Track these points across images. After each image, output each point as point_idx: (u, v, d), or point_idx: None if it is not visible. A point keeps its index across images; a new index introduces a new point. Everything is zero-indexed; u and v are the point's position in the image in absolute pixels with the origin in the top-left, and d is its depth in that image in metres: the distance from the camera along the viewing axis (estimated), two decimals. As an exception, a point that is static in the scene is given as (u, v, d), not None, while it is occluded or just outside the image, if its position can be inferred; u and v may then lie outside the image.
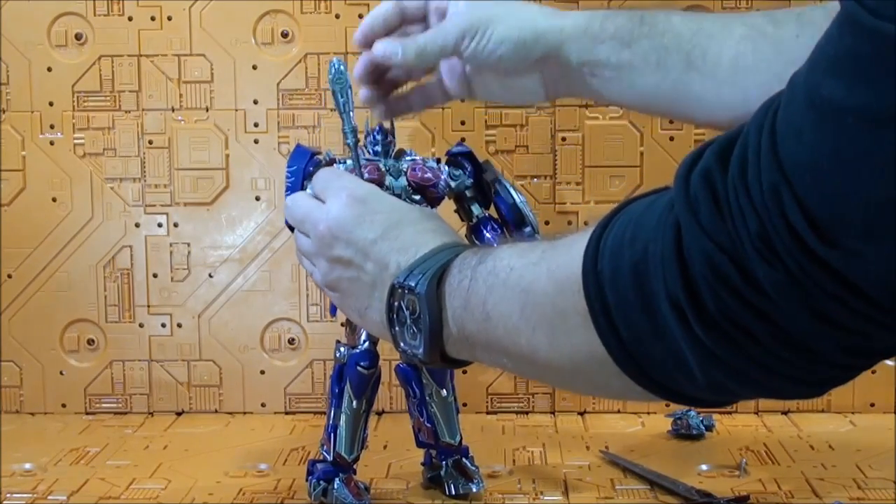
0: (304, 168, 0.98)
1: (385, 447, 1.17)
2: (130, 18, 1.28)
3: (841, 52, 0.51)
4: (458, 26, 0.91)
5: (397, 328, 0.77)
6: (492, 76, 0.95)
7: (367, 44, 0.96)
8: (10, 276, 1.31)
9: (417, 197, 0.99)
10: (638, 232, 0.60)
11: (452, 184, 1.01)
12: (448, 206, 1.03)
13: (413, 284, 0.74)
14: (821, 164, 0.51)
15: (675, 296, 0.57)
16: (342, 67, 0.97)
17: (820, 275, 0.52)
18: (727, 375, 0.58)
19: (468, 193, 1.02)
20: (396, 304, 0.76)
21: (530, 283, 0.68)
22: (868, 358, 0.57)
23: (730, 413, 1.28)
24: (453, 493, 1.03)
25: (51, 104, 1.29)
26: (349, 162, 0.97)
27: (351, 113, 0.96)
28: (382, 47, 0.92)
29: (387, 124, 1.01)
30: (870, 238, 0.51)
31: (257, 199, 1.29)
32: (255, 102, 1.29)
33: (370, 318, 0.81)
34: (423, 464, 1.06)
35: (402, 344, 0.77)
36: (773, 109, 0.55)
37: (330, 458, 1.01)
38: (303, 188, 0.97)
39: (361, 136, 1.00)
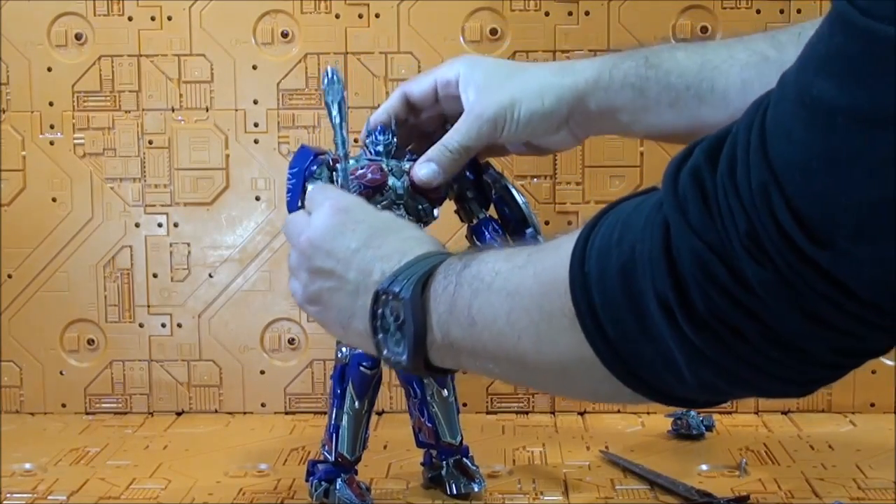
0: (305, 169, 0.98)
1: (385, 447, 1.17)
2: (130, 18, 1.28)
3: (832, 51, 0.51)
4: (486, 120, 0.94)
5: (381, 335, 0.76)
6: (526, 141, 0.98)
7: None
8: (10, 276, 1.31)
9: (419, 197, 0.98)
10: (625, 232, 0.60)
11: (454, 184, 1.01)
12: (449, 206, 1.03)
13: (398, 290, 0.73)
14: (810, 163, 0.51)
15: (664, 295, 0.57)
16: (336, 76, 0.95)
17: (810, 275, 0.52)
18: (716, 375, 0.58)
19: (469, 194, 1.02)
20: (380, 310, 0.75)
21: (517, 286, 0.67)
22: (858, 357, 0.57)
23: (730, 413, 1.28)
24: (454, 492, 1.03)
25: (51, 104, 1.29)
26: (352, 162, 0.97)
27: (342, 124, 0.95)
28: (423, 174, 0.96)
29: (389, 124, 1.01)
30: (860, 239, 0.51)
31: (257, 199, 1.30)
32: (255, 102, 1.29)
33: (353, 329, 0.80)
34: (423, 464, 1.06)
35: (385, 351, 0.76)
36: (763, 108, 0.55)
37: (332, 458, 1.01)
38: (304, 189, 0.97)
39: (360, 136, 1.01)
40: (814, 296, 0.53)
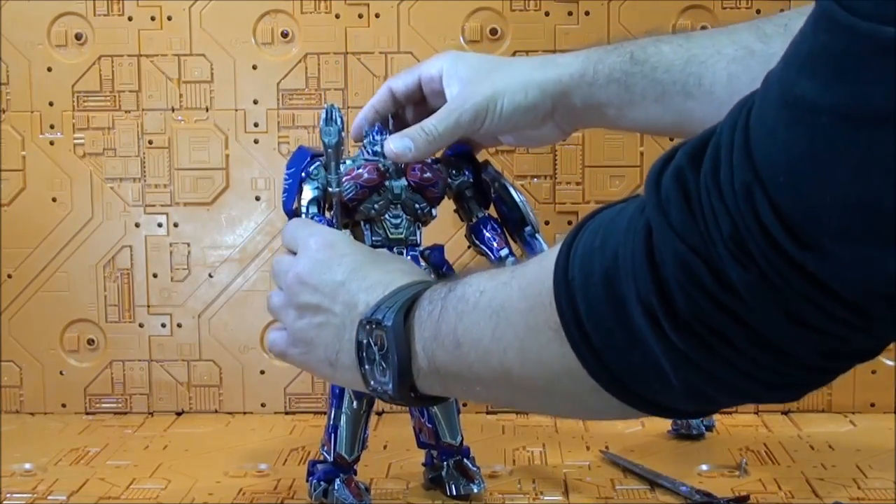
0: (302, 170, 0.98)
1: (385, 447, 1.17)
2: (130, 18, 1.28)
3: (815, 49, 0.50)
4: (466, 111, 0.93)
5: (367, 366, 0.76)
6: (510, 134, 0.98)
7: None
8: (10, 276, 1.31)
9: (417, 196, 0.98)
10: (608, 238, 0.59)
11: (452, 183, 1.01)
12: (448, 205, 1.03)
13: (380, 318, 0.73)
14: (794, 163, 0.51)
15: (647, 300, 0.56)
16: (334, 116, 0.94)
17: (794, 277, 0.52)
18: (703, 380, 0.57)
19: (468, 193, 1.02)
20: (365, 340, 0.75)
21: (502, 302, 0.67)
22: (845, 361, 0.57)
23: (730, 413, 1.27)
24: (454, 493, 1.03)
25: (51, 104, 1.29)
26: (349, 162, 0.97)
27: (336, 166, 0.94)
28: (394, 147, 0.94)
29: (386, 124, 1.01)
30: (843, 240, 0.50)
31: (257, 199, 1.30)
32: (255, 102, 1.29)
33: (342, 364, 0.79)
34: (424, 464, 1.06)
35: (371, 382, 0.76)
36: (747, 109, 0.54)
37: (330, 458, 1.01)
38: (300, 190, 0.97)
39: (352, 135, 1.01)
40: (798, 298, 0.52)
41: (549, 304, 0.62)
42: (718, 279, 0.54)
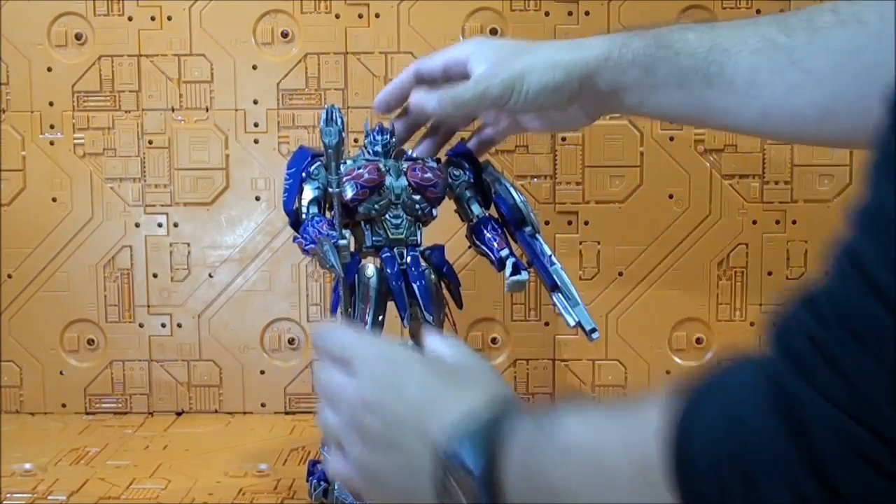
0: (302, 169, 0.98)
1: (385, 447, 1.17)
2: (130, 18, 1.28)
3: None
4: (495, 85, 0.94)
5: None
6: (535, 115, 0.99)
7: (388, 110, 1.02)
8: (10, 276, 1.31)
9: (417, 197, 0.99)
10: (733, 414, 0.53)
11: (453, 184, 1.01)
12: (448, 205, 1.03)
13: (465, 459, 0.65)
14: None
15: (799, 485, 0.49)
16: (335, 116, 0.93)
17: None
18: None
19: (468, 193, 1.02)
20: (447, 479, 0.66)
21: (602, 461, 0.60)
22: None
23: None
24: (453, 493, 1.02)
25: (51, 104, 1.29)
26: (349, 162, 0.97)
27: (336, 167, 0.94)
28: (418, 98, 0.95)
29: (387, 124, 1.01)
30: None
31: (257, 199, 1.30)
32: (255, 102, 1.29)
33: (418, 497, 0.70)
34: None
35: None
36: (848, 249, 0.50)
37: (330, 458, 1.01)
38: (300, 190, 0.97)
39: (361, 137, 1.01)
40: None
41: (658, 477, 0.55)
42: (887, 444, 0.47)
